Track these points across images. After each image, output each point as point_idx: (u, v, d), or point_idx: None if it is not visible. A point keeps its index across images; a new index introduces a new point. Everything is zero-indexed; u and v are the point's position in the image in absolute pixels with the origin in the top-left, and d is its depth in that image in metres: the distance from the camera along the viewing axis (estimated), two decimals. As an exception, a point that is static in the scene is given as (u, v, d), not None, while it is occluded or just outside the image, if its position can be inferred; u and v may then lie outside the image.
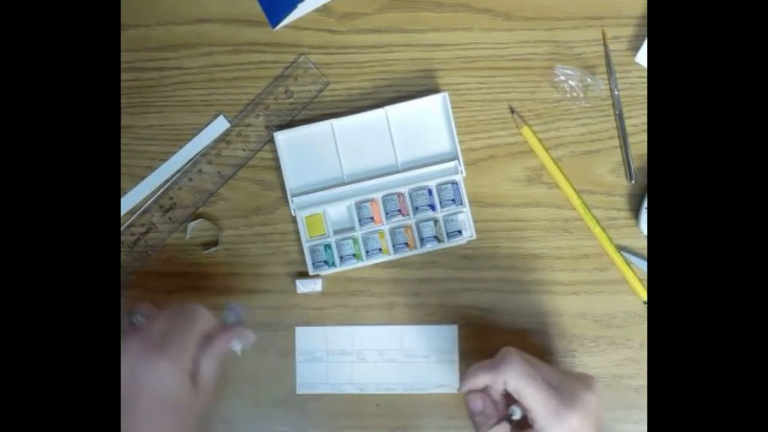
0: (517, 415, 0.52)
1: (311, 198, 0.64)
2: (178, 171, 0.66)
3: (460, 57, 0.65)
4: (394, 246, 0.64)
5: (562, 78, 0.64)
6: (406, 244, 0.64)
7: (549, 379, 0.52)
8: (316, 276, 0.64)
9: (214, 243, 0.65)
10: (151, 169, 0.66)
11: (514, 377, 0.51)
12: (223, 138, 0.66)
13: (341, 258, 0.64)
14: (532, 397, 0.50)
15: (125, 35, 0.66)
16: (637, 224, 0.64)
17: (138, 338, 0.51)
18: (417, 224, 0.64)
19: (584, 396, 0.52)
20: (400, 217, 0.64)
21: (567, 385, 0.52)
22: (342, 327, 0.65)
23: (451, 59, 0.65)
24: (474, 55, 0.65)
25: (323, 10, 0.65)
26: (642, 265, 0.64)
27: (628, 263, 0.64)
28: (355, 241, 0.64)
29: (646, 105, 0.64)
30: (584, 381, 0.53)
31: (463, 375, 0.55)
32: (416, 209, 0.64)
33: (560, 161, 0.64)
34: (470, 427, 0.56)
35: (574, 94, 0.64)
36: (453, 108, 0.64)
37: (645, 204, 0.63)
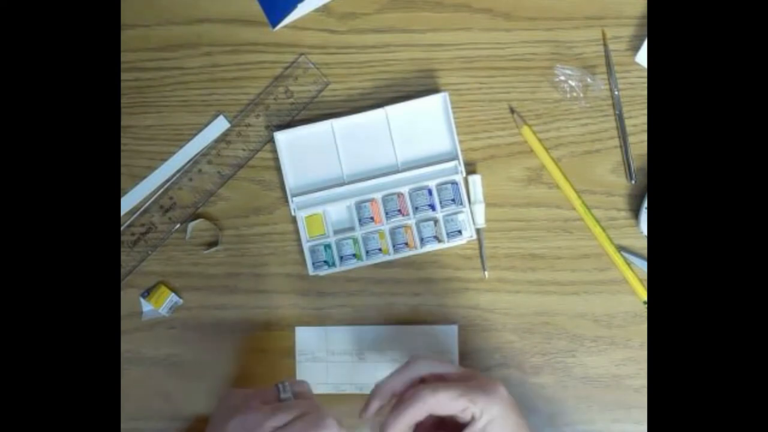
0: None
1: (311, 198, 0.64)
2: (178, 171, 0.66)
3: (460, 57, 0.65)
4: (394, 246, 0.64)
5: (562, 78, 0.64)
6: (406, 244, 0.64)
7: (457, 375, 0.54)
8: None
9: (214, 243, 0.65)
10: (151, 169, 0.66)
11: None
12: (223, 138, 0.66)
13: (341, 258, 0.64)
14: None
15: (125, 35, 0.66)
16: (637, 224, 0.64)
17: (273, 419, 0.49)
18: (417, 224, 0.64)
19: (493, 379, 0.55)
20: (400, 217, 0.64)
21: (473, 374, 0.55)
22: (342, 327, 0.65)
23: (451, 59, 0.65)
24: (474, 55, 0.65)
25: (323, 10, 0.65)
26: (642, 265, 0.64)
27: (628, 263, 0.64)
28: (355, 241, 0.64)
29: (646, 105, 0.64)
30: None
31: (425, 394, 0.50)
32: (416, 209, 0.64)
33: (560, 161, 0.64)
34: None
35: (574, 94, 0.64)
36: (453, 108, 0.64)
37: (645, 204, 0.63)
